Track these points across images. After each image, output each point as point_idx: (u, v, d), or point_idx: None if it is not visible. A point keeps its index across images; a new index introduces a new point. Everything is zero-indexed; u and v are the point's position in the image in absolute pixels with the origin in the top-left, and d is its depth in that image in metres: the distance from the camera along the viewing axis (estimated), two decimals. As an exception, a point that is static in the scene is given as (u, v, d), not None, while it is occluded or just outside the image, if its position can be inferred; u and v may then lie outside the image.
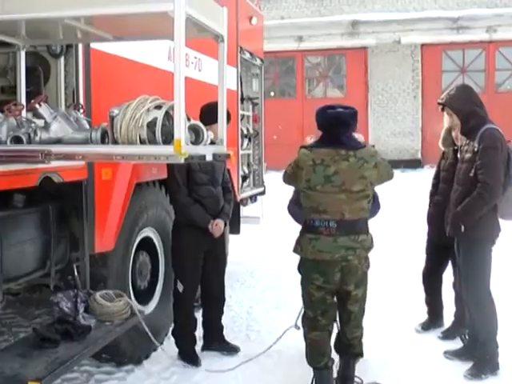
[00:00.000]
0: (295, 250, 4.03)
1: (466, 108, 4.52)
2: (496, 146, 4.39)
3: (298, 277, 4.05)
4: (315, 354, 4.08)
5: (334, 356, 4.15)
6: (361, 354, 4.21)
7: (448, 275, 5.28)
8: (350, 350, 4.16)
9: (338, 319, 4.14)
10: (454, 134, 5.00)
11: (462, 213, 4.46)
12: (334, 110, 3.93)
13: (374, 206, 4.14)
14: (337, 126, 3.89)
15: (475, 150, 4.41)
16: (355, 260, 3.87)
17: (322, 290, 3.92)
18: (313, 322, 4.04)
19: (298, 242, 4.01)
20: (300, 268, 4.06)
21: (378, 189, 4.21)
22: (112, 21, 3.24)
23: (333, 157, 3.85)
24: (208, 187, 4.79)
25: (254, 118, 7.77)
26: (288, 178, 4.12)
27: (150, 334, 4.13)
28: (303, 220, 4.04)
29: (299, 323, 4.23)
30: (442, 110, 4.74)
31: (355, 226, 3.88)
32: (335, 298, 4.02)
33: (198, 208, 4.72)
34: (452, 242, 4.74)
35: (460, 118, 4.55)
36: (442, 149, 5.20)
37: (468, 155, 4.50)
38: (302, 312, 4.15)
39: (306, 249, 3.91)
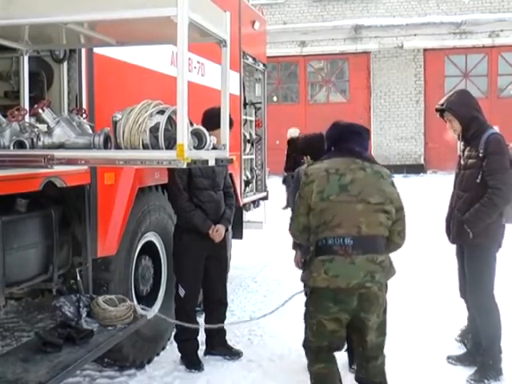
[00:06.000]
0: (304, 279, 3.58)
1: (468, 113, 4.49)
2: (503, 151, 4.40)
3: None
4: None
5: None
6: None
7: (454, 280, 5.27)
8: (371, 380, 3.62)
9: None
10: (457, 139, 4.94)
11: (472, 219, 4.39)
12: (344, 122, 3.74)
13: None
14: (349, 135, 3.62)
15: (480, 155, 4.38)
16: (375, 287, 3.40)
17: (334, 322, 3.43)
18: (316, 353, 3.54)
19: (308, 268, 3.50)
20: (308, 300, 3.60)
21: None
22: (115, 26, 3.25)
23: (348, 165, 3.49)
24: (209, 192, 4.78)
25: (256, 123, 7.79)
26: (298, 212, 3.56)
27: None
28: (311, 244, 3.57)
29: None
30: (441, 115, 4.68)
31: (373, 243, 3.42)
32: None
33: (199, 213, 4.72)
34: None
35: (462, 124, 4.54)
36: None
37: (471, 161, 4.48)
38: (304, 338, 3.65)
39: (318, 274, 3.39)
